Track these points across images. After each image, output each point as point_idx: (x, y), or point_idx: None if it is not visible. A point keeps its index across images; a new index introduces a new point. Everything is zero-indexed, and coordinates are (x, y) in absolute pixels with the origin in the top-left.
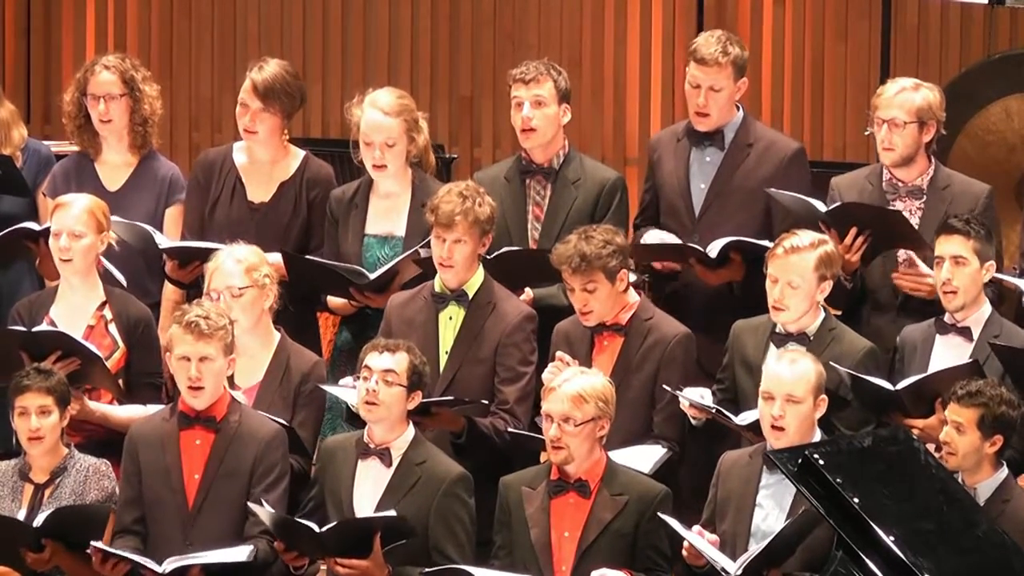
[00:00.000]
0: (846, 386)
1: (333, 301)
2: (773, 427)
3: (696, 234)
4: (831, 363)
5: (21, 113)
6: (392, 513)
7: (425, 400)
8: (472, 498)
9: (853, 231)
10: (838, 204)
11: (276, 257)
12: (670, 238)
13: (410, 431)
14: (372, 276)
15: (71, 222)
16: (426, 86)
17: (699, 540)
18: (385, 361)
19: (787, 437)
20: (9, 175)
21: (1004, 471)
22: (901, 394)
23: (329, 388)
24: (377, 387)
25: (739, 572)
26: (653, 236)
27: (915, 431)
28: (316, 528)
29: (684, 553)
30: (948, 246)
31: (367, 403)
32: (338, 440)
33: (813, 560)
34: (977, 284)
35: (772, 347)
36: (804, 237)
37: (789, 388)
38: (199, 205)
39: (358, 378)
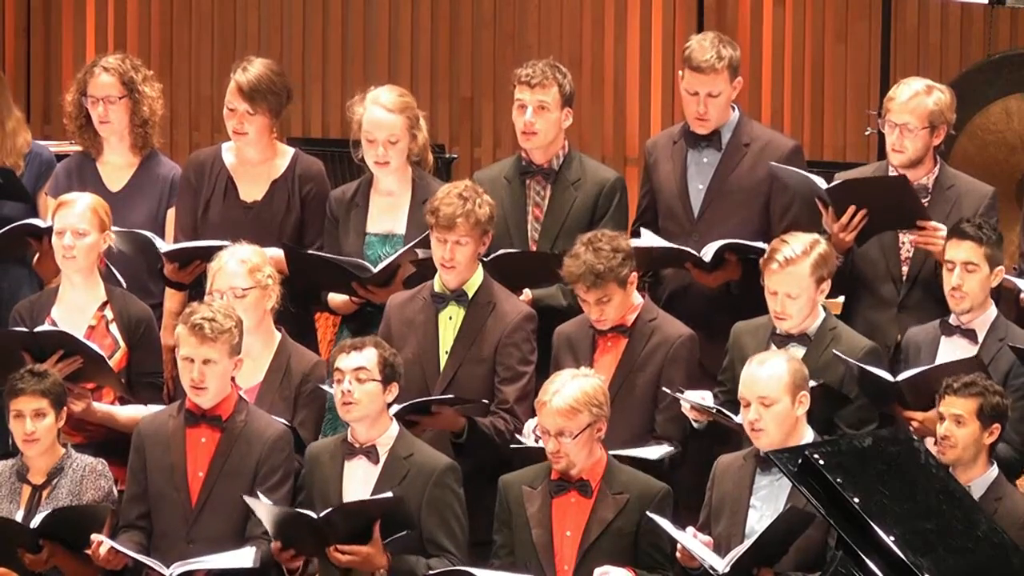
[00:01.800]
0: (848, 384)
1: (334, 300)
2: (753, 430)
3: (696, 235)
4: (836, 353)
5: (22, 114)
6: (389, 494)
7: (426, 399)
8: (461, 487)
9: (851, 209)
10: (839, 181)
11: (275, 252)
12: (660, 241)
13: (394, 426)
14: (375, 270)
15: (75, 220)
16: (426, 86)
17: (690, 540)
18: (354, 360)
19: (768, 438)
20: (10, 185)
21: (995, 468)
22: (901, 385)
23: (328, 388)
24: (351, 387)
25: (727, 570)
26: (647, 238)
27: (915, 423)
28: (313, 515)
29: (678, 555)
30: (959, 252)
31: (344, 404)
32: (322, 444)
33: (807, 561)
34: (986, 289)
35: (773, 347)
36: (796, 245)
37: (761, 390)
38: (192, 206)
39: (331, 383)
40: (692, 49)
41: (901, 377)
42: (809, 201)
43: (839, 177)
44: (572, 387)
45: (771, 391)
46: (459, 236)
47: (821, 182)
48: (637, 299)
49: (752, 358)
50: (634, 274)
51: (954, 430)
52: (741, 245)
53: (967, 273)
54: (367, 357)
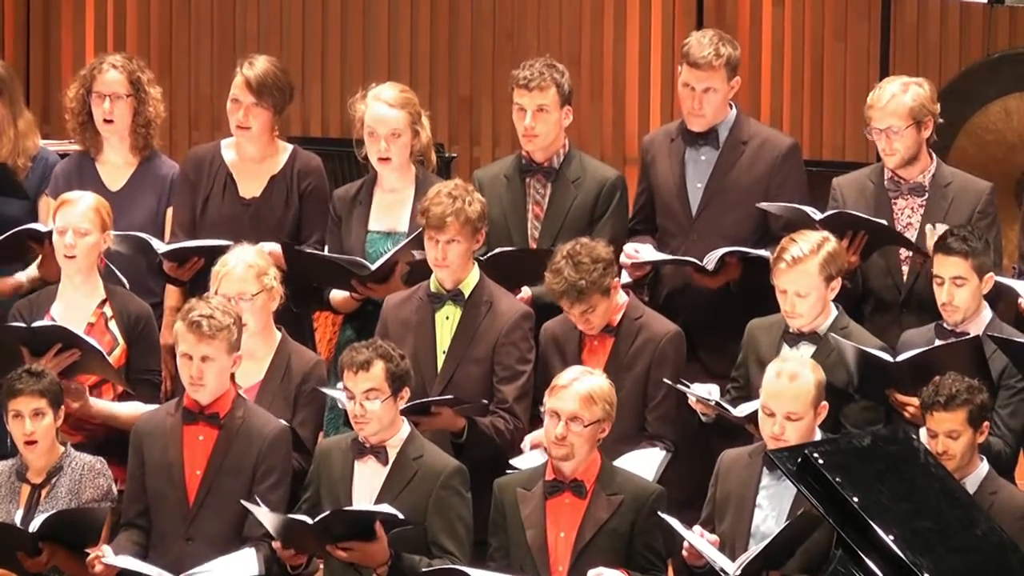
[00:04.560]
0: (851, 377)
1: (335, 298)
2: (774, 439)
3: (694, 233)
4: (833, 336)
5: (32, 117)
6: (387, 508)
7: (425, 400)
8: (468, 491)
9: (850, 234)
10: (832, 212)
11: (272, 246)
12: (653, 252)
13: (405, 427)
14: (373, 267)
15: (77, 219)
16: (425, 85)
17: (699, 540)
18: (362, 383)
19: (787, 445)
20: (5, 181)
21: (985, 463)
22: (903, 366)
23: (328, 391)
24: (363, 408)
25: (738, 573)
26: (646, 253)
27: (910, 410)
28: (309, 520)
29: (684, 553)
30: (948, 268)
31: (358, 424)
32: (333, 441)
33: (811, 562)
34: (977, 298)
35: (785, 347)
36: (804, 243)
37: (789, 407)
38: (190, 202)
39: (334, 387)
40: (691, 45)
41: (902, 357)
42: (804, 219)
43: (839, 185)
44: (591, 380)
45: (799, 408)
46: (450, 236)
47: (815, 213)
48: (622, 297)
49: (780, 368)
50: (616, 280)
51: (950, 444)
52: (742, 253)
53: (956, 288)
54: (374, 376)
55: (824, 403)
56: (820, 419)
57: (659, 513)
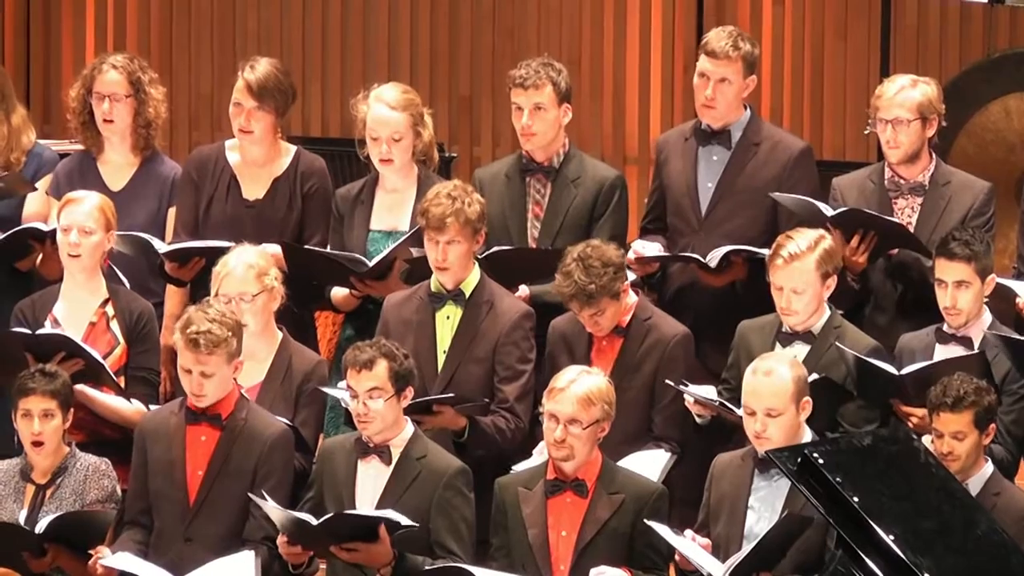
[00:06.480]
0: (849, 386)
1: (336, 296)
2: (757, 438)
3: (703, 232)
4: (837, 345)
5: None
6: (391, 514)
7: (427, 399)
8: (472, 492)
9: (860, 233)
10: (844, 208)
11: (273, 248)
12: (658, 249)
13: (409, 427)
14: (370, 263)
15: (82, 218)
16: (425, 85)
17: (687, 545)
18: (365, 381)
19: (772, 445)
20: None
21: (990, 464)
22: (906, 379)
23: (329, 390)
24: (366, 407)
25: None
26: (650, 250)
27: (914, 420)
28: (313, 520)
29: (676, 559)
30: (951, 272)
31: (361, 423)
32: (337, 441)
33: (805, 563)
34: (980, 300)
35: (778, 347)
36: (801, 240)
37: (767, 403)
38: (193, 202)
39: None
40: (710, 36)
41: (906, 371)
42: (816, 226)
43: (838, 185)
44: (589, 380)
45: (777, 403)
46: (450, 237)
47: (827, 209)
48: (632, 298)
49: (756, 366)
50: (625, 283)
51: (956, 445)
52: (746, 251)
53: (960, 292)
54: (377, 375)
55: (807, 399)
56: (804, 415)
57: (646, 520)
